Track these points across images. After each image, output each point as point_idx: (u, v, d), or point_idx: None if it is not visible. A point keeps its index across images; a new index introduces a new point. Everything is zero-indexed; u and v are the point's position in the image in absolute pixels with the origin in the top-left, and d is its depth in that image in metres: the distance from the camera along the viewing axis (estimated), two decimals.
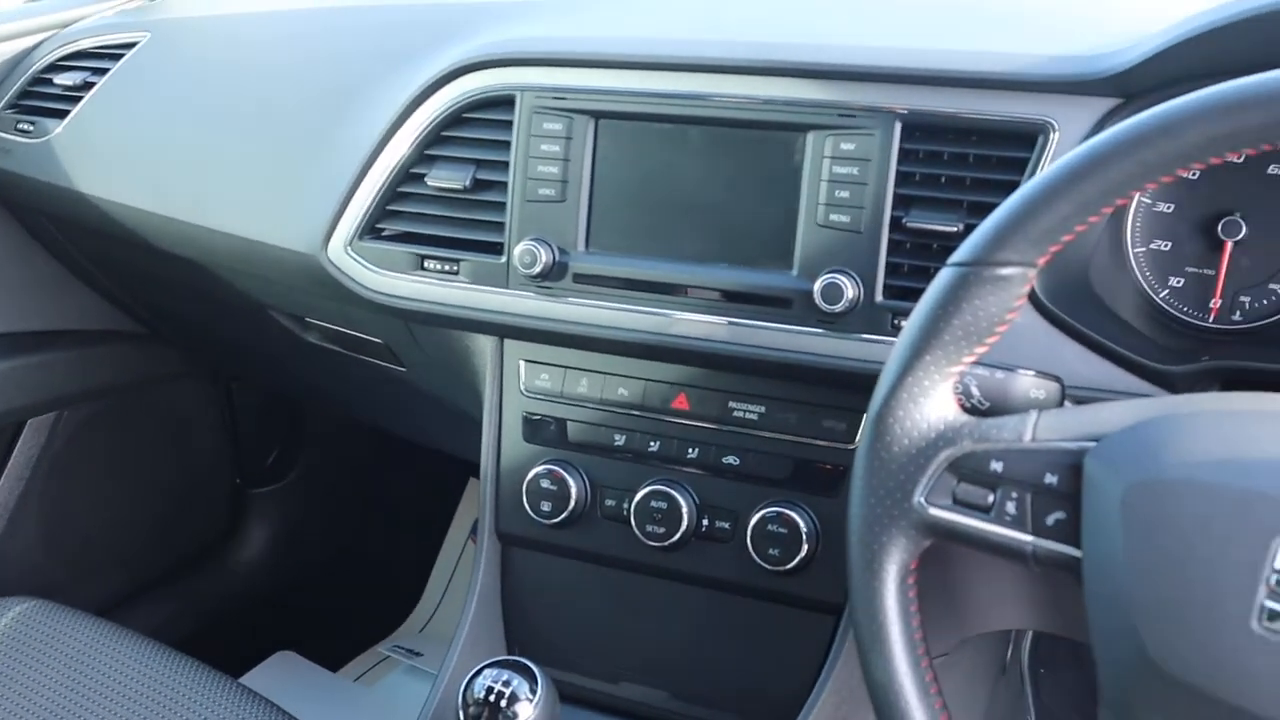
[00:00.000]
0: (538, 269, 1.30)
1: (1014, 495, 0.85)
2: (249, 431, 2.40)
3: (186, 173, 1.61)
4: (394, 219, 1.41)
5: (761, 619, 1.33)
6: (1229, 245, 1.18)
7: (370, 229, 1.42)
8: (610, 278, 1.29)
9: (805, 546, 1.25)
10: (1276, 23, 1.01)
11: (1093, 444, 0.82)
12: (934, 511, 0.87)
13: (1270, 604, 0.73)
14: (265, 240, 1.51)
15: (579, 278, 1.31)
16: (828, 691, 1.26)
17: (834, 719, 1.27)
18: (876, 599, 0.89)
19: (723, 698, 1.36)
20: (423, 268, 1.39)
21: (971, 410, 0.91)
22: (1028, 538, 0.85)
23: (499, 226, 1.34)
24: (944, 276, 0.86)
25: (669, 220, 1.28)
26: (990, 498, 0.85)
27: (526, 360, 1.40)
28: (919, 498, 0.87)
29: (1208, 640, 0.74)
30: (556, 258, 1.31)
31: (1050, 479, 0.83)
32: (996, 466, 0.85)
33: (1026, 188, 0.84)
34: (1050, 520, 0.84)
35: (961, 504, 0.86)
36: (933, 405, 0.87)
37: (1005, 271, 0.84)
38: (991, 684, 1.75)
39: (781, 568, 1.26)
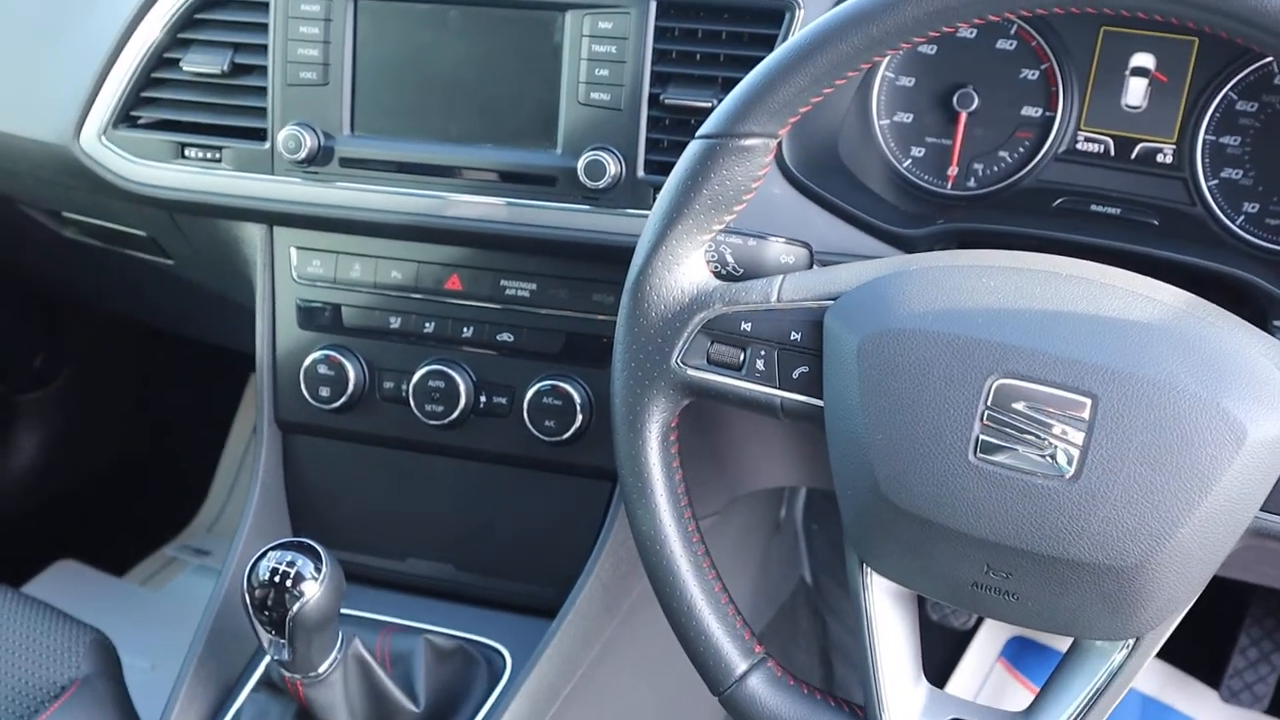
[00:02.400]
0: (303, 154, 1.29)
1: (762, 353, 0.91)
2: (8, 336, 2.30)
3: None
4: (150, 106, 1.37)
5: (541, 489, 1.38)
6: (963, 116, 1.26)
7: (125, 117, 1.37)
8: (377, 161, 1.29)
9: (580, 417, 1.30)
10: None
11: (831, 302, 0.89)
12: (690, 372, 0.92)
13: (984, 437, 0.81)
14: (10, 132, 1.44)
15: (345, 162, 1.30)
16: (605, 552, 1.32)
17: (613, 577, 1.34)
18: (640, 456, 0.95)
19: (508, 566, 1.41)
20: (184, 156, 1.36)
21: (726, 276, 0.97)
22: (776, 392, 0.91)
23: (261, 112, 1.32)
24: (692, 149, 0.91)
25: (433, 101, 1.28)
26: (741, 356, 0.91)
27: (298, 247, 1.39)
28: (676, 360, 0.92)
29: (931, 473, 0.82)
30: (322, 142, 1.30)
31: (795, 336, 0.90)
32: (746, 327, 0.91)
33: (765, 63, 0.88)
34: (796, 374, 0.90)
35: (715, 363, 0.92)
36: (686, 272, 0.92)
37: (749, 142, 0.89)
38: (765, 541, 1.86)
39: (558, 438, 1.31)
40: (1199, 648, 1.97)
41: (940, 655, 2.06)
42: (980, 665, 2.04)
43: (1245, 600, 1.95)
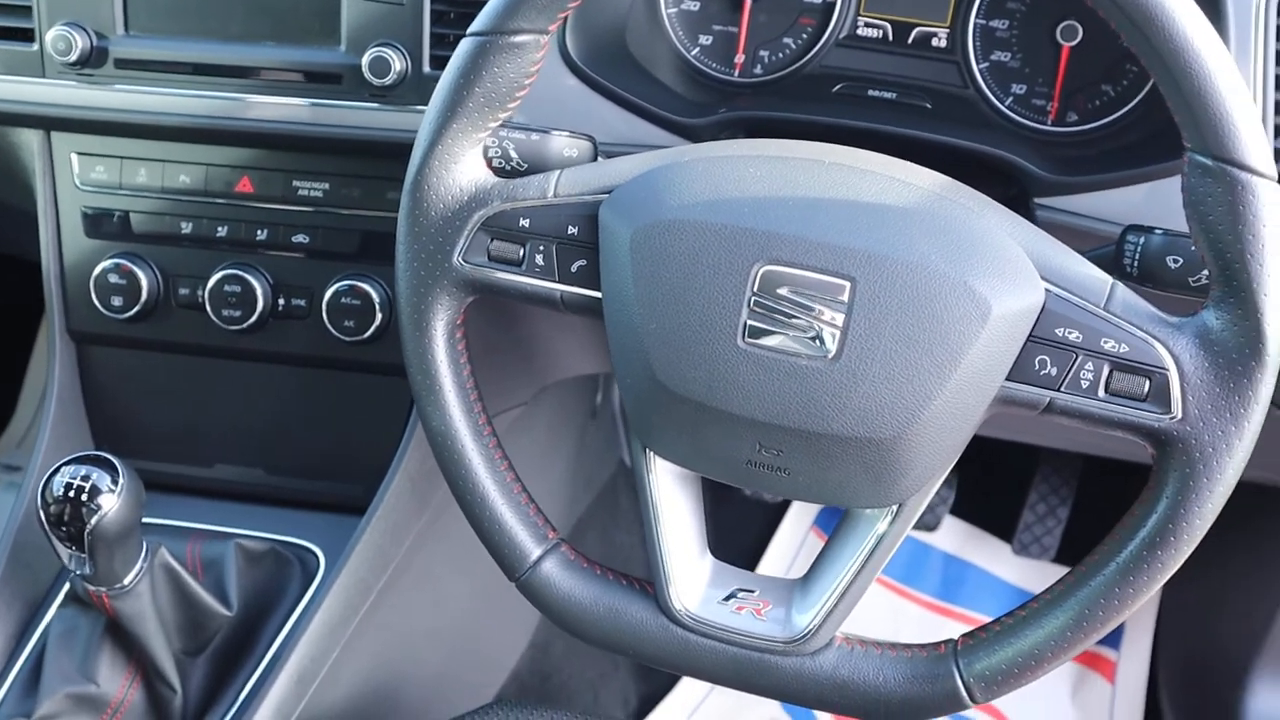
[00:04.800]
0: (74, 55, 1.24)
1: (541, 248, 0.92)
2: None
3: None
4: None
5: (345, 388, 1.38)
6: (748, 3, 1.28)
7: None
8: (154, 61, 1.25)
9: (379, 316, 1.30)
10: None
11: (606, 195, 0.91)
12: (471, 269, 0.93)
13: (752, 322, 0.85)
14: None
15: (121, 63, 1.26)
16: (412, 447, 1.34)
17: (420, 472, 1.36)
18: (427, 354, 0.96)
19: (317, 467, 1.41)
20: None
21: (510, 172, 0.98)
22: (556, 285, 0.93)
23: (26, 10, 1.26)
24: (463, 47, 0.91)
25: None
26: (521, 252, 0.92)
27: (79, 153, 1.35)
28: (457, 258, 0.93)
29: (703, 358, 0.86)
30: (94, 42, 1.25)
31: (572, 230, 0.91)
32: (524, 223, 0.92)
33: None
34: (574, 268, 0.92)
35: (496, 260, 0.93)
36: (464, 170, 0.93)
37: (519, 39, 0.89)
38: (581, 426, 1.90)
39: (358, 338, 1.31)
40: (994, 507, 2.10)
41: (758, 528, 2.15)
42: (795, 534, 2.13)
43: (1034, 461, 2.08)
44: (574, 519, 1.97)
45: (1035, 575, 2.07)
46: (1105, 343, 0.83)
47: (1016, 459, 1.99)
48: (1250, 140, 0.78)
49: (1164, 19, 0.78)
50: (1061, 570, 1.92)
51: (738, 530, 2.11)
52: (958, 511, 2.13)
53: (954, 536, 2.12)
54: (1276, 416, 1.22)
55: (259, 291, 1.32)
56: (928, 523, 2.11)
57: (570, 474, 1.90)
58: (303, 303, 1.34)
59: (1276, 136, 1.08)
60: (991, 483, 2.09)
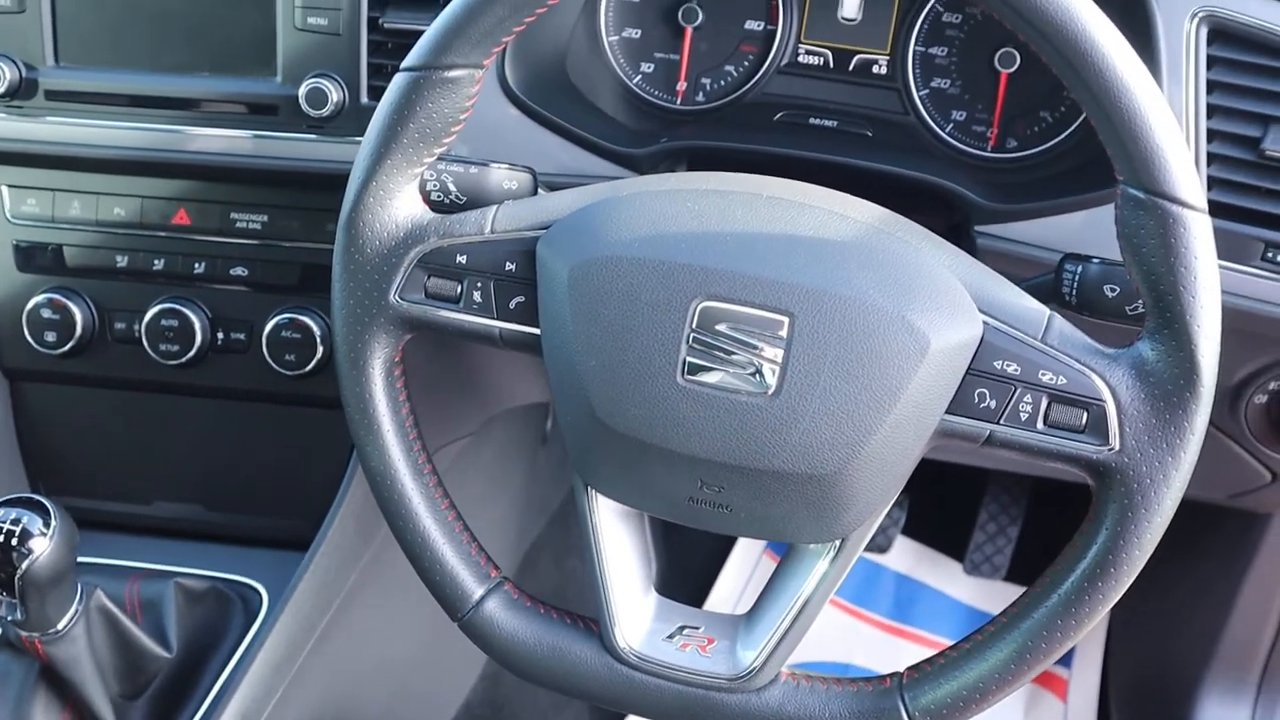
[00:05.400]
0: (3, 87, 1.22)
1: (479, 285, 0.91)
2: None
3: None
4: None
5: (287, 422, 1.36)
6: (689, 31, 1.27)
7: None
8: (86, 93, 1.24)
9: (321, 349, 1.29)
10: None
11: (543, 231, 0.90)
12: (409, 306, 0.92)
13: (691, 359, 0.84)
14: None
15: (52, 94, 1.24)
16: (355, 482, 1.32)
17: (364, 507, 1.33)
18: (365, 394, 0.94)
19: (259, 502, 1.39)
20: None
21: (449, 206, 0.97)
22: (494, 323, 0.92)
23: None
24: (396, 82, 0.89)
25: (143, 29, 1.23)
26: (459, 289, 0.91)
27: (9, 186, 1.32)
28: (394, 295, 0.92)
29: (643, 396, 0.85)
30: (24, 74, 1.23)
31: (510, 266, 0.90)
32: (462, 259, 0.91)
33: None
34: (512, 304, 0.91)
35: (433, 297, 0.92)
36: (400, 206, 0.92)
37: (453, 74, 0.88)
38: (531, 454, 1.89)
39: (299, 371, 1.30)
40: (945, 527, 2.11)
41: (712, 552, 2.14)
42: (748, 558, 2.13)
43: (983, 480, 2.09)
44: (526, 546, 1.95)
45: (987, 595, 2.07)
46: (1043, 375, 0.83)
47: (966, 478, 1.99)
48: (1181, 174, 0.79)
49: (1093, 53, 0.78)
50: (1013, 589, 1.93)
51: (691, 553, 2.10)
52: (909, 532, 2.14)
53: (906, 557, 2.13)
54: (1211, 434, 1.24)
55: (197, 325, 1.31)
56: (879, 544, 2.11)
57: (522, 501, 1.88)
58: (242, 336, 1.32)
59: (1209, 164, 1.08)
60: (942, 502, 2.10)
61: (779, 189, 0.88)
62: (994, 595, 2.07)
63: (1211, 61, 1.08)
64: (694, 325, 0.84)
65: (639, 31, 1.29)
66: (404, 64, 0.89)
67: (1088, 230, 1.11)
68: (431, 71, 0.88)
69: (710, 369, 0.84)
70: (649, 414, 0.85)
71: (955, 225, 1.18)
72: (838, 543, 0.89)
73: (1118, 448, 0.82)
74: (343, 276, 0.93)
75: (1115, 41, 0.78)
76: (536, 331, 0.90)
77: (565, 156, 1.19)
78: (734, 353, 0.83)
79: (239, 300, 1.32)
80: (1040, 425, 0.84)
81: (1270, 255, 1.09)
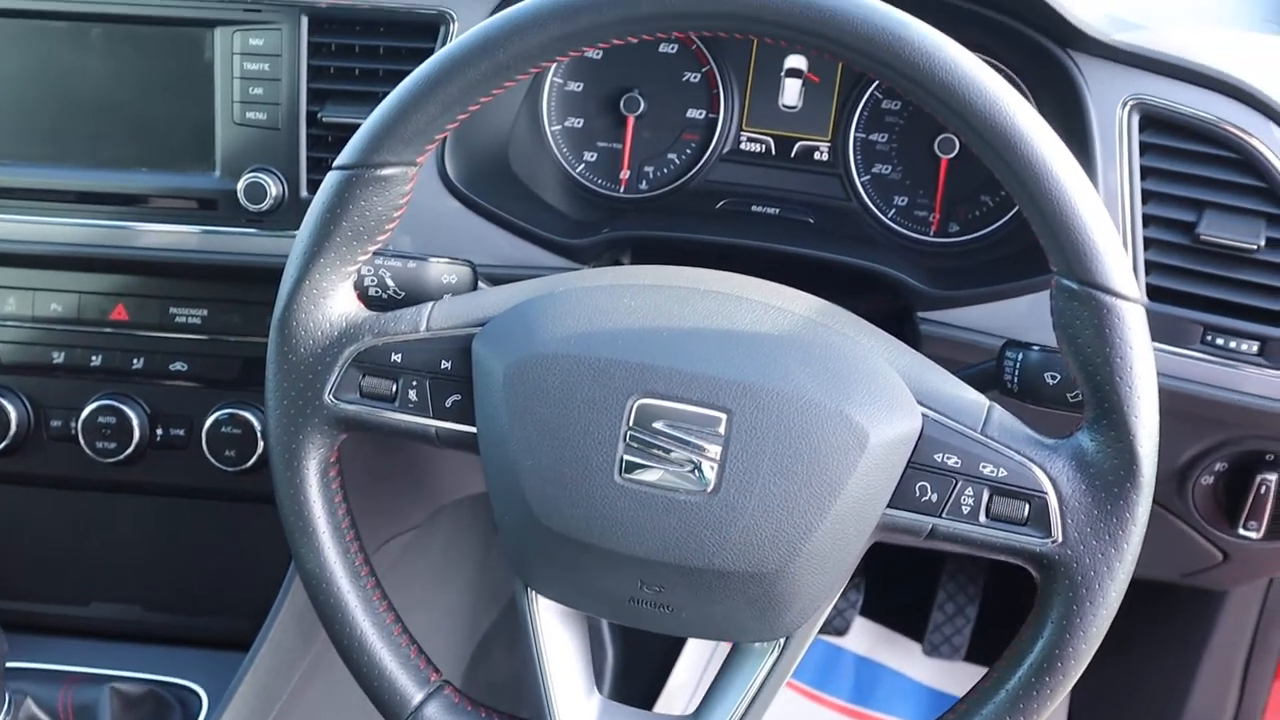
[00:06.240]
0: None
1: (414, 383, 0.90)
2: None
3: None
4: None
5: (227, 519, 1.34)
6: (631, 120, 1.28)
7: None
8: (20, 189, 1.22)
9: (261, 444, 1.27)
10: None
11: (479, 328, 0.89)
12: (344, 406, 0.91)
13: (628, 457, 0.83)
14: None
15: None
16: (297, 580, 1.29)
17: (306, 606, 1.29)
18: (300, 495, 0.92)
19: (198, 602, 1.36)
20: None
21: (387, 301, 0.96)
22: (430, 422, 0.90)
23: None
24: (329, 181, 0.89)
25: (81, 125, 1.22)
26: (394, 388, 0.90)
27: None
28: (328, 395, 0.90)
29: (581, 496, 0.83)
30: None
31: (445, 364, 0.89)
32: (397, 358, 0.90)
33: (396, 91, 0.87)
34: (449, 403, 0.90)
35: (368, 396, 0.90)
36: (333, 304, 0.90)
37: (386, 172, 0.88)
38: (484, 542, 1.86)
39: (240, 467, 1.27)
40: (903, 607, 2.09)
41: (668, 644, 2.11)
42: (703, 649, 2.10)
43: (940, 559, 2.08)
44: (479, 636, 1.92)
45: (948, 675, 2.05)
46: (984, 467, 0.82)
47: (923, 558, 1.98)
48: (1114, 264, 0.79)
49: (1022, 145, 0.78)
50: (974, 669, 1.91)
51: (648, 644, 2.07)
52: (867, 613, 2.12)
53: (865, 639, 2.11)
54: (1161, 515, 1.24)
55: (135, 422, 1.28)
56: (838, 627, 2.09)
57: (474, 592, 1.85)
58: (181, 432, 1.30)
59: (1146, 249, 1.09)
60: (899, 582, 2.08)
61: (716, 283, 0.88)
62: (954, 676, 2.05)
63: (1144, 148, 1.10)
64: (631, 423, 0.83)
65: (581, 121, 1.30)
66: (336, 162, 0.89)
67: (1030, 316, 1.12)
68: (364, 170, 0.87)
69: (648, 467, 0.82)
70: (587, 514, 0.83)
71: (898, 311, 1.18)
72: (782, 641, 0.88)
73: (1060, 540, 0.82)
74: (276, 377, 0.91)
75: (1043, 133, 0.79)
76: (473, 430, 0.89)
77: (507, 247, 1.19)
78: (672, 450, 0.82)
79: (178, 395, 1.30)
80: (982, 518, 0.83)
81: (1210, 338, 1.09)
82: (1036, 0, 1.08)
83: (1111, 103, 1.10)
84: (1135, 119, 1.09)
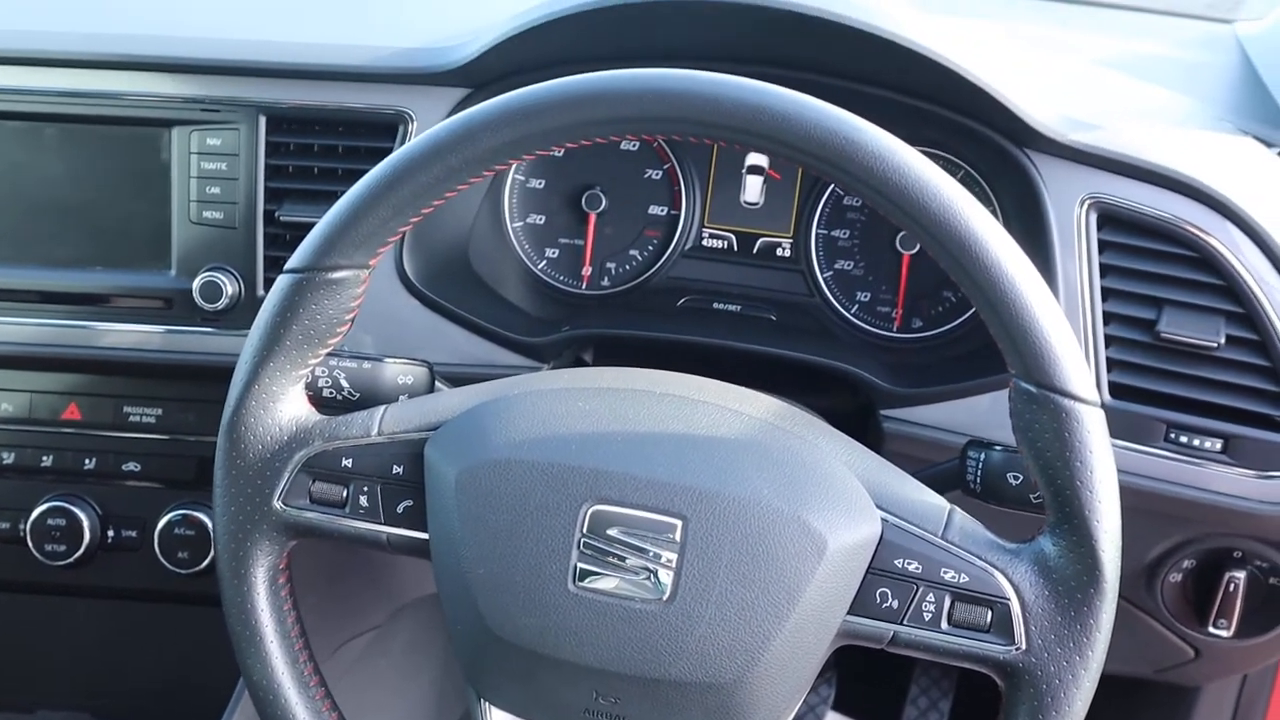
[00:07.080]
0: None
1: (365, 489, 0.88)
2: None
3: None
4: None
5: (180, 623, 1.31)
6: (593, 217, 1.28)
7: None
8: None
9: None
10: (583, 22, 1.10)
11: (432, 432, 0.87)
12: (293, 512, 0.88)
13: (582, 565, 0.81)
14: None
15: None
16: None
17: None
18: (247, 603, 0.90)
19: (149, 708, 1.33)
20: None
21: (341, 403, 0.94)
22: (382, 528, 0.88)
23: None
24: (279, 284, 0.87)
25: (37, 224, 1.21)
26: (345, 493, 0.88)
27: None
28: (277, 501, 0.88)
29: (534, 605, 0.81)
30: None
31: (397, 469, 0.87)
32: (347, 463, 0.88)
33: (348, 195, 0.86)
34: (400, 508, 0.88)
35: (318, 502, 0.88)
36: (284, 409, 0.89)
37: (337, 275, 0.86)
38: (447, 643, 1.82)
39: (193, 569, 1.25)
40: (876, 704, 2.05)
41: None
42: None
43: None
44: None
45: None
46: (945, 573, 0.81)
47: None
48: (1071, 368, 0.78)
49: (976, 248, 0.78)
50: None
51: None
52: (839, 708, 2.08)
53: None
54: (1131, 612, 1.22)
55: (86, 524, 1.26)
56: None
57: (437, 691, 1.81)
58: (133, 534, 1.27)
59: (1108, 346, 1.09)
60: (871, 677, 2.05)
61: (673, 385, 0.86)
62: None
63: (1103, 245, 1.10)
64: (585, 530, 0.81)
65: (543, 217, 1.29)
66: (287, 265, 0.87)
67: (993, 413, 1.11)
68: (315, 273, 0.86)
69: (603, 575, 0.81)
70: (540, 623, 0.81)
71: (861, 408, 1.17)
72: None
73: (1024, 648, 0.80)
74: (224, 482, 0.89)
75: (997, 236, 0.78)
76: (425, 536, 0.87)
77: (467, 346, 1.18)
78: (626, 558, 0.80)
79: (131, 496, 1.28)
80: (944, 625, 0.81)
81: (1173, 436, 1.09)
82: (992, 101, 1.08)
83: (1069, 201, 1.10)
84: (1093, 217, 1.09)
